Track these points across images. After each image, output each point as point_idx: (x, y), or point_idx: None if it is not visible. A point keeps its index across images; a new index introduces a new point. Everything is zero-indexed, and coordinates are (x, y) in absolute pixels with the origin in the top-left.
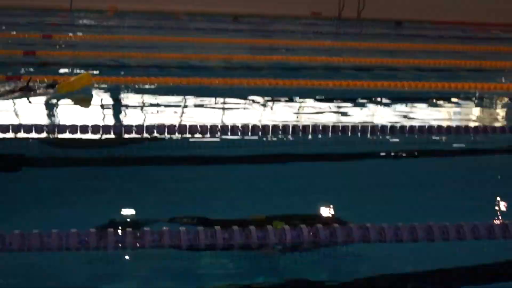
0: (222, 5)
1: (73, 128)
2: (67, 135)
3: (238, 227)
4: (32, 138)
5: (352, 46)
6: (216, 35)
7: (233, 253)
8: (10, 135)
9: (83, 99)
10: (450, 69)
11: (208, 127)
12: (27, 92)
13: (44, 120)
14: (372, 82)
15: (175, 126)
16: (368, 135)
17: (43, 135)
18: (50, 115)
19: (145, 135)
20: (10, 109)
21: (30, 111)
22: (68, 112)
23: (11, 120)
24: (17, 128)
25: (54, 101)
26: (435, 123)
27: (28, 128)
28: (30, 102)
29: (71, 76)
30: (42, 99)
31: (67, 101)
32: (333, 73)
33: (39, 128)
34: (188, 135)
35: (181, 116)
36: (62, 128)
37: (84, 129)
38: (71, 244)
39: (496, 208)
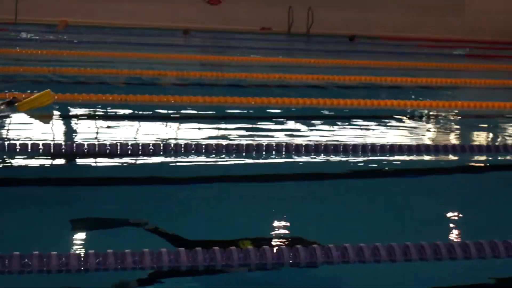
0: (173, 19)
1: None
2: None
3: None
4: None
5: (303, 62)
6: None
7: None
8: None
9: (44, 116)
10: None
11: (162, 145)
12: None
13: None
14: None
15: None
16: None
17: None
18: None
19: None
20: None
21: None
22: (27, 129)
23: None
24: None
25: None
26: (387, 142)
27: None
28: None
29: (31, 93)
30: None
31: (27, 118)
32: (287, 90)
33: None
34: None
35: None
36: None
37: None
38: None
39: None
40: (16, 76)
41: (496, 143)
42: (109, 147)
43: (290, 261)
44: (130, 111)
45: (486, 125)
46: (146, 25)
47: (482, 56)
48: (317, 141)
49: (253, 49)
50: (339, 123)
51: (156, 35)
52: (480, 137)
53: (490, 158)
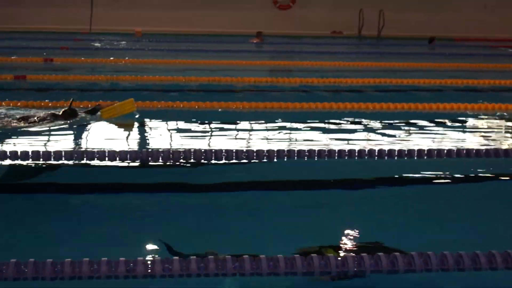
0: (244, 25)
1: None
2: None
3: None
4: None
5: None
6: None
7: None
8: (54, 161)
9: (126, 125)
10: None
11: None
12: (70, 117)
13: (87, 146)
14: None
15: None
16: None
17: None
18: (93, 140)
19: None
20: (55, 134)
21: (73, 136)
22: (110, 137)
23: (55, 147)
24: (60, 154)
25: (96, 126)
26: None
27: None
28: (73, 127)
29: (114, 101)
30: (86, 124)
31: (110, 126)
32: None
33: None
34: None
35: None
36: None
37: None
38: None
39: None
40: (94, 85)
41: None
42: (182, 154)
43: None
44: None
45: None
46: (217, 32)
47: None
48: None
49: (324, 53)
50: (418, 127)
51: (227, 41)
52: None
53: None
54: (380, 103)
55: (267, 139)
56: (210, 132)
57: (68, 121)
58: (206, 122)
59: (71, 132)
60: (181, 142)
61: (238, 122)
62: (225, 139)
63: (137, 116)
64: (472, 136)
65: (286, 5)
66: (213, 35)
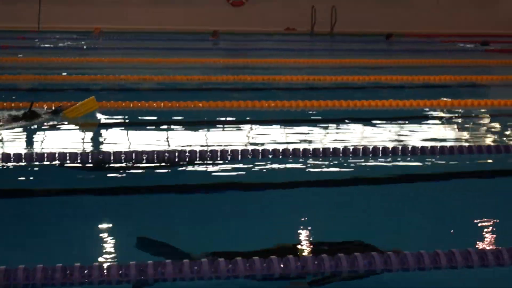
0: (198, 22)
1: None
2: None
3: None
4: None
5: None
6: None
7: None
8: (14, 164)
9: (89, 124)
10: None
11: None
12: (31, 118)
13: (52, 147)
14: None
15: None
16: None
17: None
18: (57, 141)
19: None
20: (15, 137)
21: (36, 138)
22: (75, 138)
23: (16, 149)
24: (22, 156)
25: (60, 126)
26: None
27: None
28: (35, 128)
29: (76, 101)
30: (48, 125)
31: (73, 127)
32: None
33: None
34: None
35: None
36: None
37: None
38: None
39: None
40: (53, 85)
41: None
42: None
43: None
44: (164, 117)
45: None
46: (170, 29)
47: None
48: (352, 143)
49: (277, 50)
50: (378, 124)
51: (181, 39)
52: None
53: None
54: (339, 100)
55: (226, 136)
56: (168, 132)
57: (30, 123)
58: (164, 121)
59: (32, 134)
60: (143, 142)
61: (195, 120)
62: (186, 139)
63: (99, 116)
64: (433, 133)
65: (239, 1)
66: (168, 33)
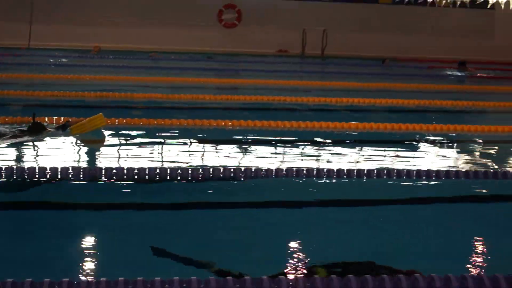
0: (191, 43)
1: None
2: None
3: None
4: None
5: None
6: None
7: None
8: (19, 177)
9: (96, 141)
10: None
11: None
12: (37, 131)
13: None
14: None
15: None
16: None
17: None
18: (62, 155)
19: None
20: (20, 151)
21: (41, 152)
22: (81, 154)
23: (21, 163)
24: (26, 170)
25: (66, 142)
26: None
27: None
28: (40, 143)
29: (84, 117)
30: (54, 140)
31: (79, 143)
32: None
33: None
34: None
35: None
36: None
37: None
38: None
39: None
40: (58, 101)
41: None
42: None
43: None
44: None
45: None
46: (163, 49)
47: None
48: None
49: (270, 72)
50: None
51: (176, 59)
52: None
53: None
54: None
55: (217, 157)
56: (170, 150)
57: (35, 137)
58: (164, 139)
59: (36, 148)
60: (144, 160)
61: (185, 139)
62: (189, 157)
63: (106, 132)
64: (423, 156)
65: (231, 23)
66: (165, 53)
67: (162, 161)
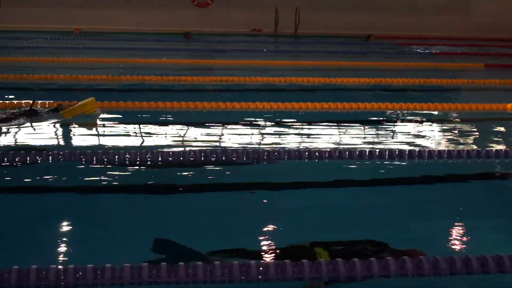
0: (162, 23)
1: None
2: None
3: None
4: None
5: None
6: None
7: None
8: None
9: (88, 124)
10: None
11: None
12: (31, 116)
13: (49, 144)
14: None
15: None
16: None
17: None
18: (55, 139)
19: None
20: (14, 133)
21: (34, 135)
22: (74, 137)
23: (16, 144)
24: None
25: (58, 125)
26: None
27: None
28: (34, 126)
29: (76, 101)
30: (46, 123)
31: (72, 126)
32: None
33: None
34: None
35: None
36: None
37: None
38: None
39: None
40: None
41: None
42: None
43: None
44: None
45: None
46: (133, 30)
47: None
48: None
49: (244, 51)
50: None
51: (153, 40)
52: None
53: None
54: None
55: (195, 139)
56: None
57: (29, 120)
58: (139, 122)
59: (31, 131)
60: (137, 143)
61: (169, 121)
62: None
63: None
64: (400, 136)
65: (204, 2)
66: (135, 34)
67: (141, 144)
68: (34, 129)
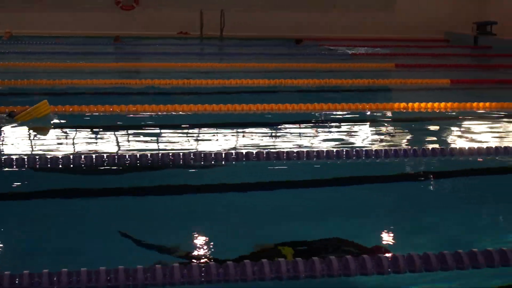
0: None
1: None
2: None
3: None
4: None
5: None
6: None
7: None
8: None
9: (41, 128)
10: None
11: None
12: None
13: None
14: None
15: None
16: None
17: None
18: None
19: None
20: None
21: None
22: (30, 141)
23: None
24: None
25: (12, 130)
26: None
27: None
28: None
29: (27, 106)
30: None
31: (25, 130)
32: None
33: None
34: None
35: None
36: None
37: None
38: None
39: None
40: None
41: None
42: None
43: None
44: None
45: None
46: (62, 33)
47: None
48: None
49: (171, 54)
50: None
51: (79, 43)
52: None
53: None
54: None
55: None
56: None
57: None
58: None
59: None
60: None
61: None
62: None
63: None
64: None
65: (129, 6)
66: (65, 37)
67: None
68: None
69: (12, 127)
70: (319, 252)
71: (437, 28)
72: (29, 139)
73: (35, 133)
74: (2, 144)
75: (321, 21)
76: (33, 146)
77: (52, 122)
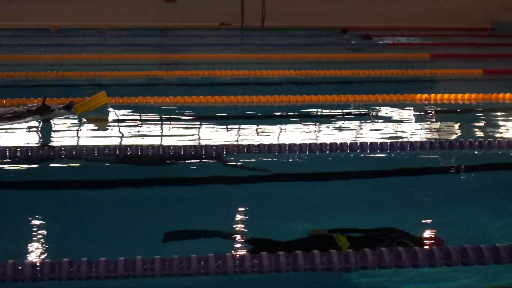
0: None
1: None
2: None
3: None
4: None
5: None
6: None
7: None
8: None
9: (99, 119)
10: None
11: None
12: (44, 113)
13: (63, 142)
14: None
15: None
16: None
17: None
18: (69, 136)
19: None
20: (30, 130)
21: (48, 132)
22: (86, 133)
23: (30, 142)
24: (35, 150)
25: (71, 121)
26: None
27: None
28: (47, 123)
29: (86, 96)
30: (59, 120)
31: (84, 121)
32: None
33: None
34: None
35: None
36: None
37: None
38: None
39: None
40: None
41: None
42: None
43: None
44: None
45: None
46: (109, 26)
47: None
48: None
49: (213, 45)
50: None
51: (115, 35)
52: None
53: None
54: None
55: (171, 134)
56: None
57: (43, 117)
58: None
59: (46, 128)
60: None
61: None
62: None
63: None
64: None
65: None
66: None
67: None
68: (49, 125)
69: (70, 117)
70: (372, 243)
71: (485, 16)
72: (86, 130)
73: (93, 124)
74: (61, 135)
75: (366, 9)
76: (89, 138)
77: (108, 112)
